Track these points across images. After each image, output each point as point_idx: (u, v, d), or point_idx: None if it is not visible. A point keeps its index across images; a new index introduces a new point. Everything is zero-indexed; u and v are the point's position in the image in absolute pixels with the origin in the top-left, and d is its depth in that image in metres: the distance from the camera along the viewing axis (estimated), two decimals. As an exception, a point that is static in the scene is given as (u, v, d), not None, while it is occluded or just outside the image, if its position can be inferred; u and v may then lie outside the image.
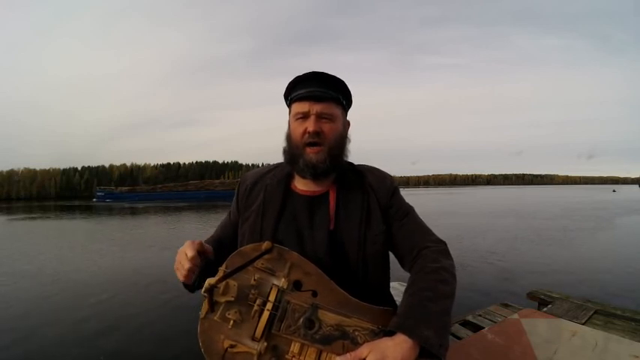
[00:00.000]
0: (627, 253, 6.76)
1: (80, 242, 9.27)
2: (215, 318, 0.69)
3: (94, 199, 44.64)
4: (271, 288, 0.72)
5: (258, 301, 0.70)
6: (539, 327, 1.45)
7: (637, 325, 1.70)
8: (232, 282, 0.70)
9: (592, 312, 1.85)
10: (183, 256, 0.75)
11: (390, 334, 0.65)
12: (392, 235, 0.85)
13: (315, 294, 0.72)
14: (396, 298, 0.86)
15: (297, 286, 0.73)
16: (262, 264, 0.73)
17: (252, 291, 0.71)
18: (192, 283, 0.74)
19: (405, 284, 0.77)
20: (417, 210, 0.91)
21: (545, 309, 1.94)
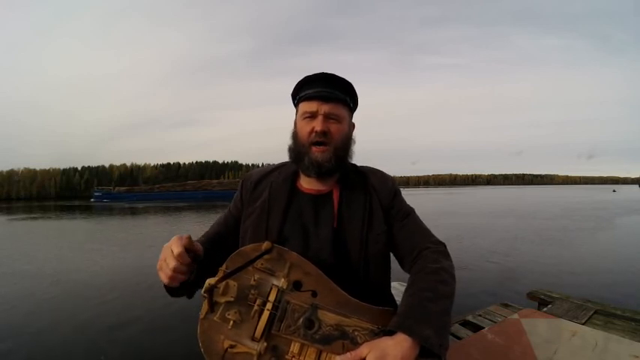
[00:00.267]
0: (627, 253, 6.76)
1: (80, 242, 9.27)
2: (215, 318, 0.68)
3: (92, 199, 45.05)
4: (271, 288, 0.71)
5: (258, 302, 0.70)
6: (539, 327, 1.45)
7: (637, 325, 1.70)
8: (232, 282, 0.70)
9: (592, 312, 1.85)
10: (169, 253, 0.68)
11: (390, 333, 0.65)
12: (392, 236, 0.86)
13: (314, 294, 0.72)
14: (395, 298, 0.87)
15: (296, 286, 0.73)
16: (262, 264, 0.73)
17: (252, 291, 0.71)
18: (178, 287, 0.68)
19: (405, 284, 0.77)
20: (417, 210, 0.92)
21: (545, 309, 1.94)
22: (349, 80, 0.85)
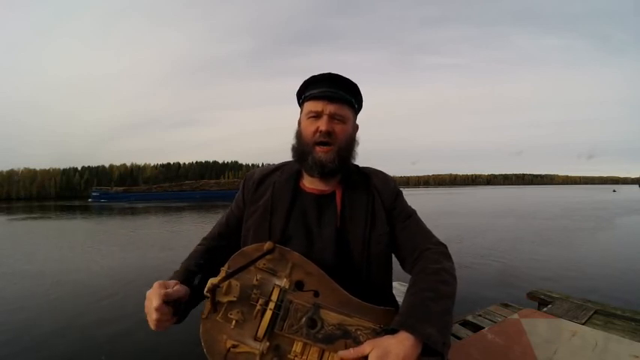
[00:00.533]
0: (627, 253, 6.76)
1: (80, 242, 9.26)
2: (217, 318, 0.69)
3: (90, 199, 45.34)
4: (273, 288, 0.72)
5: (260, 301, 0.70)
6: (539, 327, 1.46)
7: (637, 325, 1.70)
8: (235, 282, 0.70)
9: (592, 312, 1.85)
10: (149, 304, 0.69)
11: (392, 332, 0.65)
12: (394, 237, 0.86)
13: (317, 294, 0.72)
14: (397, 298, 0.87)
15: (299, 286, 0.73)
16: (264, 264, 0.73)
17: (255, 291, 0.71)
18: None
19: (406, 285, 0.78)
20: (417, 210, 0.93)
21: (545, 309, 1.94)
22: (354, 81, 0.85)
